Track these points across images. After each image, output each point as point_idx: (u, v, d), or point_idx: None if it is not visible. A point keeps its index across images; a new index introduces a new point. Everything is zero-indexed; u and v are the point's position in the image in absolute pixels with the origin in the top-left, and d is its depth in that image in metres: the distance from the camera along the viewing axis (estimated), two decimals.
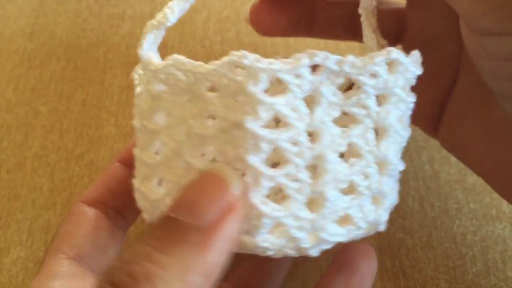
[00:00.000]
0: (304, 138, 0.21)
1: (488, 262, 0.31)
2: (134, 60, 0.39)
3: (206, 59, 0.39)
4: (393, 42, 0.31)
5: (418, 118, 0.30)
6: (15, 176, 0.34)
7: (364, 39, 0.27)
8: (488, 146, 0.27)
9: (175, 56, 0.22)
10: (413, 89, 0.24)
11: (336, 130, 0.22)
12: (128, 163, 0.26)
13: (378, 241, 0.32)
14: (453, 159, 0.34)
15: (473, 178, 0.33)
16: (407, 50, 0.24)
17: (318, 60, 0.21)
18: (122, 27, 0.41)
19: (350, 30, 0.31)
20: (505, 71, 0.23)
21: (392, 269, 0.31)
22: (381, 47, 0.26)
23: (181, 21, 0.41)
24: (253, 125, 0.21)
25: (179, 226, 0.19)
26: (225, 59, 0.21)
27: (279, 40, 0.39)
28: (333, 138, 0.22)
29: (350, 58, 0.21)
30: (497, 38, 0.22)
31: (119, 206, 0.26)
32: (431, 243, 0.31)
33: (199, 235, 0.19)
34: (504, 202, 0.33)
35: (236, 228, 0.20)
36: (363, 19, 0.27)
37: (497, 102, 0.25)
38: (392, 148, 0.24)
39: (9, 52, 0.39)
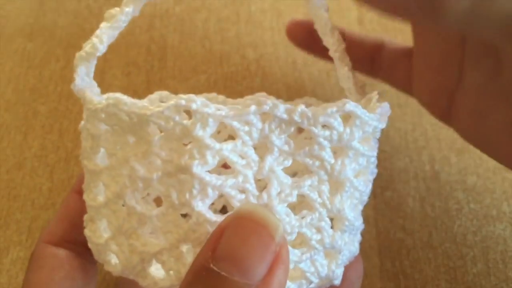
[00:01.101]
0: (251, 186, 0.21)
1: (489, 263, 0.31)
2: (134, 60, 0.39)
3: (206, 59, 0.39)
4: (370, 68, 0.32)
5: (428, 104, 0.30)
6: (15, 176, 0.34)
7: (340, 81, 0.26)
8: None
9: (117, 95, 0.21)
10: (421, 78, 0.23)
11: (287, 179, 0.22)
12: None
13: (378, 241, 0.32)
14: (453, 159, 0.34)
15: (473, 179, 0.33)
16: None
17: (266, 108, 0.20)
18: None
19: (373, 67, 0.33)
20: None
21: (393, 269, 0.31)
22: (359, 88, 0.25)
23: (181, 21, 0.41)
24: (200, 169, 0.20)
25: (224, 282, 0.18)
26: (171, 102, 0.20)
27: (279, 41, 0.39)
28: (283, 188, 0.21)
29: (300, 108, 0.21)
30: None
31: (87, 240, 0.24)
32: (432, 243, 0.31)
33: None
34: (505, 203, 0.33)
35: (285, 276, 0.19)
36: (335, 61, 0.25)
37: None
38: (348, 203, 0.23)
39: (9, 52, 0.39)
